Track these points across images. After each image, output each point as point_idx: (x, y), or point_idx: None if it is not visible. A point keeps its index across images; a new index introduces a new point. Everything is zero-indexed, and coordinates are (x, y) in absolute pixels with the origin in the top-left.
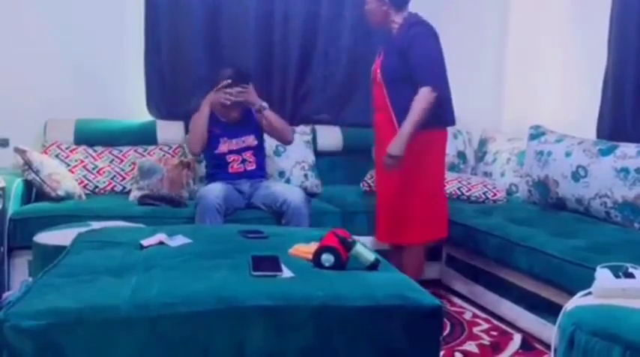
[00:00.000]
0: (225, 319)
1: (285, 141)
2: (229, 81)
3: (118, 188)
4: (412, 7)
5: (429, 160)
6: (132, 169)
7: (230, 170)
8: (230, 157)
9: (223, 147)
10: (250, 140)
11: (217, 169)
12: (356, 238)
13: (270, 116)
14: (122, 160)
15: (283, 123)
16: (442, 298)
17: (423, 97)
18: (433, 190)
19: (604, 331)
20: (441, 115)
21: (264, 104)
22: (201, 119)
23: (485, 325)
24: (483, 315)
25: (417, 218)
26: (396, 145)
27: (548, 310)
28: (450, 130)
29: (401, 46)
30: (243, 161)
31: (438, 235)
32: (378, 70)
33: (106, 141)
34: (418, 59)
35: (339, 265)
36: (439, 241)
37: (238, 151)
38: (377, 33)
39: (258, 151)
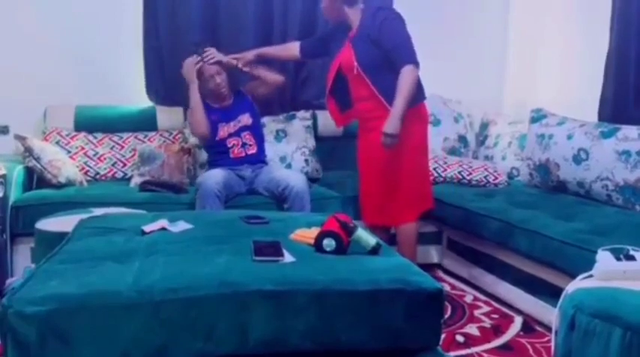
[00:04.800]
0: (227, 304)
1: (278, 83)
2: (197, 54)
3: (119, 175)
4: None
5: (416, 135)
6: (132, 156)
7: (231, 155)
8: (230, 142)
9: (222, 132)
10: (245, 119)
11: (219, 156)
12: (357, 222)
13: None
14: (122, 147)
15: (264, 68)
16: (443, 282)
17: (408, 76)
18: (420, 163)
19: (605, 314)
20: (420, 90)
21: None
22: (196, 105)
23: (486, 308)
24: (484, 298)
25: (407, 194)
26: (392, 124)
27: (549, 292)
28: (451, 113)
29: (371, 34)
30: (244, 145)
31: (426, 207)
32: (355, 63)
33: (106, 127)
34: (393, 42)
35: (341, 249)
36: (427, 212)
37: (237, 134)
38: None
39: (255, 131)
